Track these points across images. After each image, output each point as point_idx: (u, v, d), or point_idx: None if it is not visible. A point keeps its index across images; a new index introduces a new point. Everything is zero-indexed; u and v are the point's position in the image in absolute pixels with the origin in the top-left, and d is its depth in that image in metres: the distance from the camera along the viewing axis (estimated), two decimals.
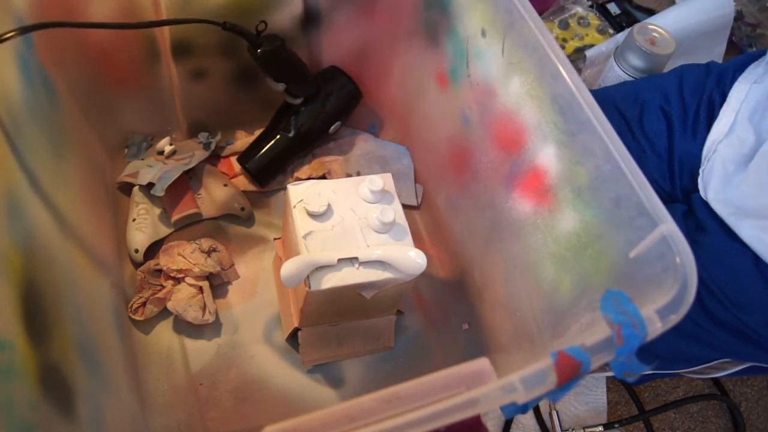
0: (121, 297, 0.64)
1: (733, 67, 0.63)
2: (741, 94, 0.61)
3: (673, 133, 0.63)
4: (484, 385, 0.32)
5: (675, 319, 0.34)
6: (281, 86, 0.68)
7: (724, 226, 0.57)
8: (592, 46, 0.94)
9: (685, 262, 0.35)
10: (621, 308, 0.35)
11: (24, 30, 0.47)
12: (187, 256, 0.65)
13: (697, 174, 0.62)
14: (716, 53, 0.98)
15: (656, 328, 0.33)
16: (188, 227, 0.72)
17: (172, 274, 0.65)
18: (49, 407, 0.38)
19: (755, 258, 0.55)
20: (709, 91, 0.63)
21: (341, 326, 0.63)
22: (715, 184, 0.59)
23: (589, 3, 1.01)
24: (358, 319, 0.63)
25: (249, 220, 0.74)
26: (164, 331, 0.65)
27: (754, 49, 1.05)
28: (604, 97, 0.64)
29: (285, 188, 0.67)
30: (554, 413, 0.71)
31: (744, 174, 0.57)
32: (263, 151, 0.73)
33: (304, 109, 0.73)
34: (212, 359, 0.64)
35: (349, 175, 0.76)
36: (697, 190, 0.61)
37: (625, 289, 0.37)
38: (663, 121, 0.64)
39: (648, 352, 0.34)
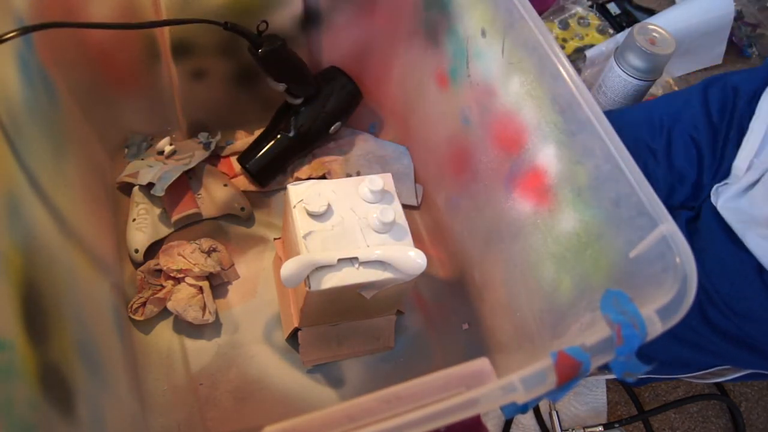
0: (121, 297, 0.64)
1: (764, 84, 0.61)
2: None
3: (702, 159, 0.62)
4: (484, 385, 0.32)
5: (675, 319, 0.34)
6: (282, 86, 0.68)
7: (730, 234, 0.56)
8: (592, 46, 0.94)
9: (685, 261, 0.35)
10: (621, 308, 0.35)
11: (24, 30, 0.47)
12: (187, 256, 0.65)
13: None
14: (716, 53, 0.99)
15: (656, 328, 0.33)
16: (188, 227, 0.72)
17: (172, 274, 0.65)
18: (49, 407, 0.38)
19: (759, 267, 0.54)
20: (741, 112, 0.61)
21: (341, 326, 0.63)
22: (730, 193, 0.58)
23: (589, 3, 1.01)
24: (358, 319, 0.63)
25: (249, 220, 0.74)
26: (164, 331, 0.65)
27: (754, 49, 1.05)
28: (624, 124, 0.62)
29: (285, 188, 0.67)
30: (554, 413, 0.71)
31: (758, 183, 0.56)
32: (263, 151, 0.73)
33: (304, 109, 0.73)
34: (212, 359, 0.64)
35: (349, 175, 0.76)
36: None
37: (625, 289, 0.37)
38: (693, 150, 0.62)
39: (647, 357, 0.34)
